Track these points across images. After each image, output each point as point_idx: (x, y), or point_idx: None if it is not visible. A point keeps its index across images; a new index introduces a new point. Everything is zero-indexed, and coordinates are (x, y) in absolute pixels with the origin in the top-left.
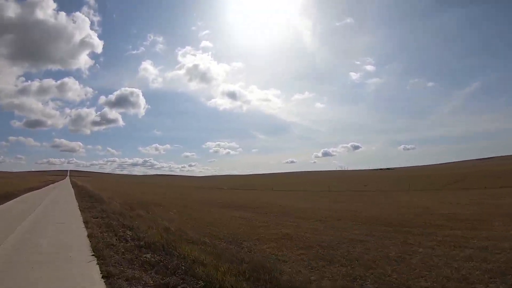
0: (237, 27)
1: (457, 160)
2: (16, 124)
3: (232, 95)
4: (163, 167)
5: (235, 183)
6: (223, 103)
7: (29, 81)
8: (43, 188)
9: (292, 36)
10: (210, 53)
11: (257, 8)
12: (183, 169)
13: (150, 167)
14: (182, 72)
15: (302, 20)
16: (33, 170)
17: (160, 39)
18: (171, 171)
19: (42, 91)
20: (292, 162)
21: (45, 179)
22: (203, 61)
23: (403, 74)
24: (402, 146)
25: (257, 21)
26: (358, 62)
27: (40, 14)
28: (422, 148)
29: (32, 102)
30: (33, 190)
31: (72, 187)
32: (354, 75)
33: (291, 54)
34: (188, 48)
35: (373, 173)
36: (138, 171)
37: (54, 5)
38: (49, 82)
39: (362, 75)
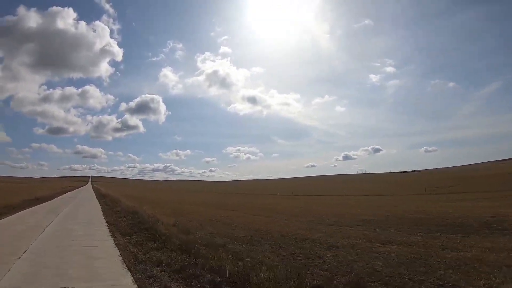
0: (255, 32)
1: (481, 162)
2: (39, 131)
3: (252, 100)
4: (183, 172)
5: (271, 188)
6: (243, 108)
7: (51, 89)
8: (54, 200)
9: (309, 40)
10: (229, 58)
11: (274, 13)
12: (203, 174)
13: (170, 173)
14: (201, 78)
15: (318, 23)
16: (55, 176)
17: (180, 45)
18: (192, 176)
19: (64, 98)
20: (312, 166)
21: (64, 185)
22: (223, 66)
23: (424, 75)
24: (423, 149)
25: (274, 26)
26: (377, 64)
27: (60, 24)
28: (444, 150)
29: (54, 110)
30: (34, 205)
31: (97, 197)
32: (374, 77)
33: (310, 58)
34: (207, 54)
35: (405, 176)
36: (158, 176)
37: (74, 15)
38: (71, 90)
39: (382, 77)
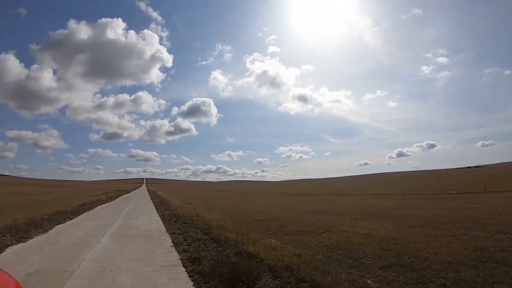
0: (302, 30)
1: None
2: (94, 137)
3: (303, 99)
4: (236, 173)
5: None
6: (294, 107)
7: (105, 97)
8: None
9: (357, 34)
10: (278, 58)
11: (319, 10)
12: (255, 174)
13: (223, 174)
14: (251, 79)
15: (361, 17)
16: (111, 179)
17: (228, 48)
18: (244, 177)
19: (117, 105)
20: (365, 164)
21: (113, 187)
22: (272, 66)
23: (478, 64)
24: (480, 143)
25: (321, 22)
26: (429, 55)
27: (110, 34)
28: (502, 144)
29: (109, 116)
30: None
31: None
32: (426, 69)
33: (359, 53)
34: (256, 54)
35: (478, 171)
36: (211, 177)
37: (123, 25)
38: (124, 96)
39: (435, 68)
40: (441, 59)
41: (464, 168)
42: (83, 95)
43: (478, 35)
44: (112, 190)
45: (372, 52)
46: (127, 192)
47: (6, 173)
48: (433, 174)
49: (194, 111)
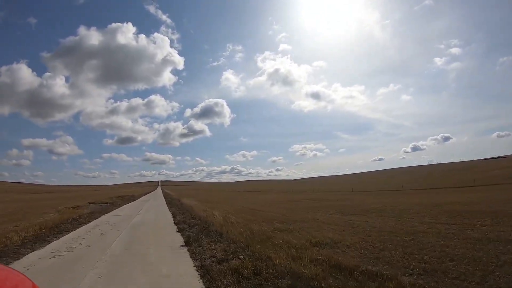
0: (312, 26)
1: None
2: (109, 142)
3: (316, 96)
4: (250, 173)
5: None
6: (307, 105)
7: (118, 101)
8: None
9: (367, 29)
10: (289, 55)
11: (328, 6)
12: (270, 173)
13: (237, 174)
14: (263, 78)
15: (370, 12)
16: (126, 182)
17: (239, 47)
18: (258, 176)
19: (130, 109)
20: (380, 159)
21: (115, 193)
22: (284, 64)
23: (491, 53)
24: (495, 134)
25: (330, 18)
26: (441, 46)
27: (121, 39)
28: None
29: (122, 121)
30: None
31: None
32: (438, 61)
33: (371, 47)
34: (267, 53)
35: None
36: (225, 178)
37: (134, 29)
38: (137, 101)
39: (447, 59)
40: (454, 50)
41: (486, 159)
42: (96, 101)
43: (490, 24)
44: (109, 197)
45: (383, 46)
46: (133, 198)
47: (23, 180)
48: (448, 167)
49: (207, 113)
